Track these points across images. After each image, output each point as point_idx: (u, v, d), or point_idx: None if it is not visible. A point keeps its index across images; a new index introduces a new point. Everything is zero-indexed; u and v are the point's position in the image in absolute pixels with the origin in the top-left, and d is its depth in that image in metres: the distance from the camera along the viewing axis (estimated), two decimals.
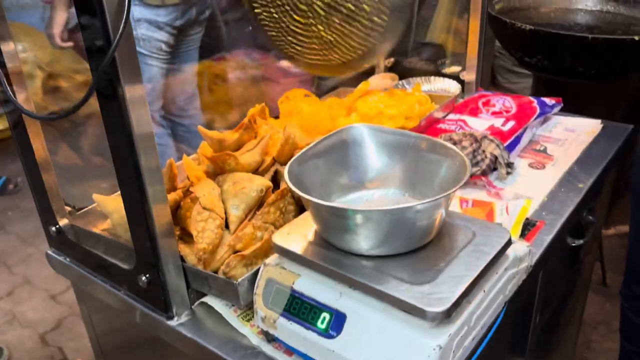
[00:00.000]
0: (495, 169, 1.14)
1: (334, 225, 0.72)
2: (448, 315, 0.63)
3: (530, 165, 1.20)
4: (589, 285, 1.62)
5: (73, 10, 1.90)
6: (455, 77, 1.56)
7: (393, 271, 0.69)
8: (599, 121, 1.36)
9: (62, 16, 1.91)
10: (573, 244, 1.17)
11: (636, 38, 1.55)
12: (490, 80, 3.70)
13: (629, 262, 1.55)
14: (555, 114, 1.41)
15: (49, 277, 2.30)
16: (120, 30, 0.63)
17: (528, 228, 0.99)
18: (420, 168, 0.82)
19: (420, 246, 0.72)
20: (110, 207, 0.84)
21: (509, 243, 0.74)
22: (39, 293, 2.27)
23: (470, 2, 1.44)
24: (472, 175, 1.12)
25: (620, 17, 2.00)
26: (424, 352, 0.64)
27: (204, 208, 0.81)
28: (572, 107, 1.46)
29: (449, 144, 0.78)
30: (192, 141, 1.99)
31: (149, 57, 2.02)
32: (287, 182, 0.72)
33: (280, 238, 0.76)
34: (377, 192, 0.85)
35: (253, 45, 4.45)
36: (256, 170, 0.93)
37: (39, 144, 0.91)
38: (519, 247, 0.80)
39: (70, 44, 2.05)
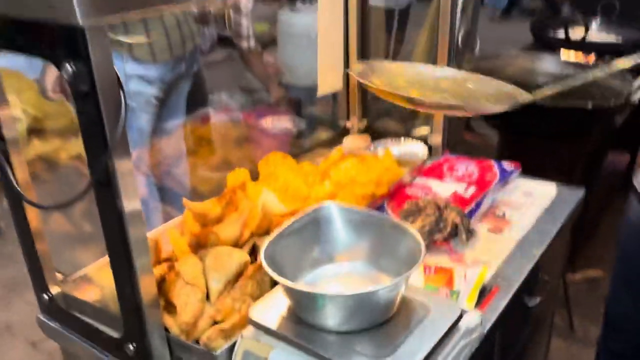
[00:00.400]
0: (456, 235, 1.24)
1: (304, 304, 0.80)
2: None
3: (490, 230, 1.30)
4: (550, 336, 1.71)
5: None
6: (423, 139, 1.67)
7: (357, 346, 0.78)
8: (554, 185, 1.48)
9: (56, 71, 1.98)
10: (529, 304, 1.26)
11: (589, 107, 1.69)
12: (465, 125, 3.86)
13: (608, 316, 1.64)
14: (516, 177, 1.52)
15: (29, 324, 2.33)
16: (117, 138, 0.72)
17: (484, 294, 1.08)
18: (383, 244, 0.91)
19: (382, 322, 0.81)
20: (102, 281, 0.92)
21: (459, 318, 0.83)
22: (19, 340, 2.28)
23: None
24: (435, 241, 1.21)
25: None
26: None
27: (187, 283, 0.89)
28: (534, 164, 1.57)
29: (408, 226, 0.88)
30: (176, 203, 2.07)
31: (139, 110, 2.10)
32: (264, 265, 0.81)
33: (257, 314, 0.84)
34: (345, 265, 0.94)
35: (237, 89, 4.57)
36: (236, 243, 1.01)
37: (33, 216, 0.98)
38: (471, 319, 0.90)
39: (60, 95, 2.12)
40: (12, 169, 0.90)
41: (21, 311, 2.46)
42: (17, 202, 0.94)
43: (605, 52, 2.40)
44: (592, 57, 2.38)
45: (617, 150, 2.62)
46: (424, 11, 3.31)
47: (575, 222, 2.36)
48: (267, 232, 1.05)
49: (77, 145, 2.73)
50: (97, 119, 0.72)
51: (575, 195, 1.45)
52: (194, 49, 2.28)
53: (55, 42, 0.71)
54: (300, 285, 0.84)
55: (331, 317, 0.78)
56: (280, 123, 2.22)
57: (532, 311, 1.36)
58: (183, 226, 1.11)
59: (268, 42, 5.96)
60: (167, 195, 2.13)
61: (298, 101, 3.57)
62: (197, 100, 2.64)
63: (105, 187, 0.77)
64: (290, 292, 0.80)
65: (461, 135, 3.69)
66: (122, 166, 0.76)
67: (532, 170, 1.56)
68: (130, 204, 0.78)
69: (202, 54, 2.83)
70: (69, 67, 0.70)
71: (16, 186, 0.87)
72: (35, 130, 2.77)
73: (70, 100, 2.13)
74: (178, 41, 2.15)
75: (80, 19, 0.65)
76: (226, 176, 1.24)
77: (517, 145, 2.25)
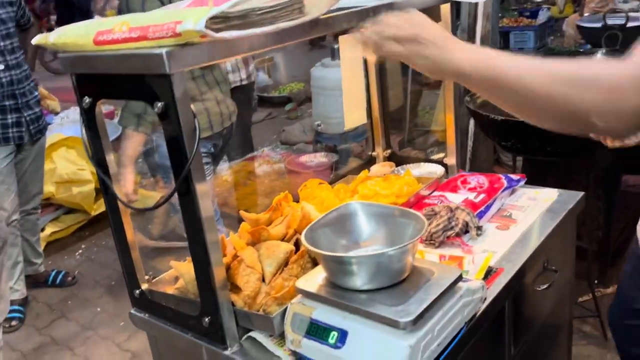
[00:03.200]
0: (467, 231, 1.47)
1: (337, 270, 1.05)
2: (414, 323, 0.95)
3: (497, 228, 1.52)
4: (571, 329, 1.86)
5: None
6: (440, 162, 1.91)
7: (379, 299, 1.01)
8: (556, 190, 1.69)
9: (132, 176, 2.12)
10: (538, 288, 1.46)
11: None
12: (495, 160, 4.06)
13: None
14: (523, 186, 1.74)
15: (106, 355, 2.61)
16: (193, 152, 1.01)
17: (490, 274, 1.30)
18: (397, 228, 1.16)
19: (397, 282, 1.05)
20: (182, 270, 1.19)
21: (459, 278, 1.06)
22: None
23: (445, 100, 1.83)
24: (448, 237, 1.44)
25: None
26: (399, 351, 0.95)
27: (248, 266, 1.15)
28: (552, 180, 1.77)
29: (414, 211, 1.13)
30: (231, 225, 2.33)
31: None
32: (304, 243, 1.07)
33: (301, 283, 1.09)
34: (369, 249, 1.18)
35: (278, 143, 4.92)
36: (282, 239, 1.27)
37: (128, 228, 1.27)
38: (474, 283, 1.12)
39: (136, 198, 2.33)
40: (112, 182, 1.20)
41: (99, 347, 2.75)
42: (116, 215, 1.24)
43: None
44: None
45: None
46: None
47: (602, 243, 2.52)
48: None
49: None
50: (179, 142, 1.01)
51: (575, 197, 1.65)
52: (231, 126, 2.46)
53: (149, 87, 1.01)
54: (334, 253, 1.09)
55: (358, 278, 1.02)
56: (316, 158, 2.50)
57: (545, 300, 1.55)
58: (240, 233, 1.38)
59: (304, 98, 6.40)
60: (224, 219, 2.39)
61: (333, 147, 3.88)
62: (244, 149, 2.97)
63: (186, 197, 1.05)
64: (325, 260, 1.05)
65: (491, 169, 3.90)
66: (198, 179, 1.04)
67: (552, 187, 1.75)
68: (206, 211, 1.06)
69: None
70: (159, 104, 1.00)
71: (114, 191, 1.16)
72: None
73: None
74: (218, 120, 2.35)
75: (168, 69, 0.95)
76: (271, 201, 1.52)
77: (536, 166, 2.46)
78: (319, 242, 1.12)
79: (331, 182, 1.83)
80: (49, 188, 3.41)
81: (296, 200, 1.63)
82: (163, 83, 0.98)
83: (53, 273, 3.22)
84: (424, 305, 0.97)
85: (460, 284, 1.07)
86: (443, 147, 2.03)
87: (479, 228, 1.47)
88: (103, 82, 1.09)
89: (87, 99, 1.13)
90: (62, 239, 3.71)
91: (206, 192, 1.06)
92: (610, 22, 3.07)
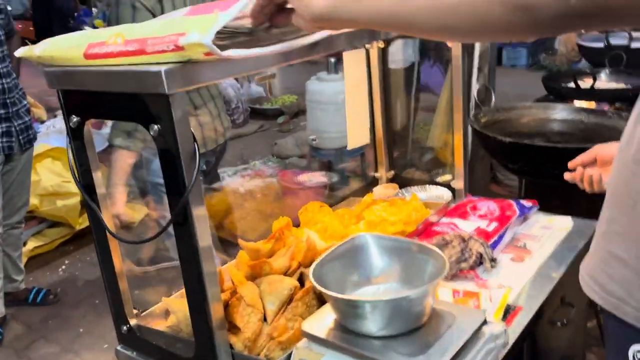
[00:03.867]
0: (481, 263, 1.37)
1: (349, 313, 0.95)
2: None
3: (512, 259, 1.43)
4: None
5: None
6: (447, 185, 1.83)
7: (395, 347, 0.91)
8: (569, 219, 1.60)
9: (122, 195, 2.01)
10: (556, 325, 1.37)
11: None
12: (491, 178, 3.99)
13: None
14: (535, 213, 1.66)
15: None
16: (192, 180, 0.91)
17: (509, 312, 1.20)
18: (413, 265, 1.06)
19: (415, 327, 0.95)
20: (175, 307, 1.08)
21: (484, 323, 0.96)
22: None
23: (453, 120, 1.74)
24: (461, 270, 1.35)
25: (591, 125, 2.30)
26: None
27: (248, 305, 1.05)
28: (556, 204, 1.69)
29: (433, 247, 1.03)
30: (227, 251, 2.22)
31: None
32: (312, 281, 0.96)
33: (308, 326, 0.99)
34: (381, 287, 1.08)
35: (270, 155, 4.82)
36: (285, 273, 1.17)
37: (116, 257, 1.16)
38: (496, 327, 1.02)
39: (127, 219, 2.22)
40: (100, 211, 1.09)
41: None
42: (103, 244, 1.13)
43: (615, 98, 2.55)
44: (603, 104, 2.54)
45: None
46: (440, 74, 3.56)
47: None
48: (311, 264, 1.20)
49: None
50: (177, 169, 0.91)
51: (591, 226, 1.57)
52: (224, 143, 2.36)
53: (144, 108, 0.91)
54: (346, 295, 0.99)
55: (372, 323, 0.92)
56: (315, 177, 2.41)
57: (562, 334, 1.46)
58: (238, 264, 1.27)
59: (297, 111, 6.32)
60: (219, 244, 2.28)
61: (328, 162, 3.79)
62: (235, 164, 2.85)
63: (183, 227, 0.95)
64: (336, 302, 0.95)
65: (488, 187, 3.83)
66: (197, 208, 0.94)
67: (556, 211, 1.68)
68: (203, 241, 0.96)
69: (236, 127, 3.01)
70: (155, 127, 0.90)
71: (104, 221, 1.06)
72: None
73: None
74: (212, 136, 2.23)
75: (167, 89, 0.85)
76: (270, 225, 1.41)
77: (541, 189, 2.38)
78: (327, 279, 1.02)
79: (331, 204, 1.74)
80: (32, 200, 3.26)
81: (295, 223, 1.53)
82: (161, 104, 0.88)
83: (34, 291, 3.08)
84: (448, 357, 0.87)
85: (484, 328, 0.98)
86: (444, 166, 1.95)
87: (493, 260, 1.38)
88: (93, 100, 0.99)
89: (74, 118, 1.02)
90: (44, 254, 3.56)
91: (204, 220, 0.96)
92: (613, 41, 3.02)
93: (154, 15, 1.95)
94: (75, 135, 1.04)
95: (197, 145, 0.92)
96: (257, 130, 5.99)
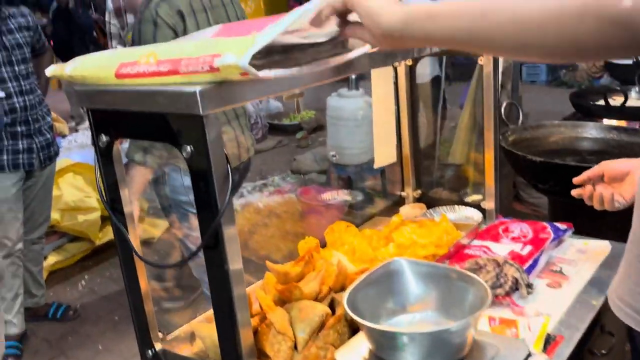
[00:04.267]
0: (516, 289, 1.32)
1: (385, 345, 0.90)
2: None
3: (548, 285, 1.37)
4: None
5: None
6: (476, 205, 1.78)
7: None
8: (607, 242, 1.54)
9: (136, 211, 1.93)
10: (598, 354, 1.30)
11: None
12: (514, 196, 3.92)
13: None
14: (570, 236, 1.60)
15: None
16: (225, 203, 0.87)
17: (549, 342, 1.15)
18: (452, 294, 1.01)
19: None
20: (203, 333, 1.04)
21: (528, 356, 0.91)
22: None
23: (484, 137, 1.70)
24: (496, 296, 1.29)
25: (623, 143, 2.24)
26: None
27: (278, 332, 1.01)
28: (587, 225, 1.63)
29: (474, 275, 0.98)
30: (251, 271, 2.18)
31: None
32: (347, 310, 0.92)
33: (341, 357, 0.95)
34: (418, 315, 1.04)
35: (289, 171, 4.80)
36: (316, 298, 1.13)
37: (142, 279, 1.13)
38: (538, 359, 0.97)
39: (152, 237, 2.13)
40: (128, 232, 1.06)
41: None
42: (130, 265, 1.10)
43: None
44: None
45: None
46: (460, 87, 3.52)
47: None
48: (342, 288, 1.16)
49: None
50: (210, 191, 0.88)
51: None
52: (248, 160, 2.30)
53: (177, 128, 0.88)
54: (382, 326, 0.94)
55: (410, 355, 0.87)
56: (339, 196, 2.37)
57: None
58: (265, 287, 1.24)
59: (316, 127, 6.32)
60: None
61: (348, 178, 3.75)
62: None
63: (214, 250, 0.92)
64: (372, 333, 0.91)
65: (511, 206, 3.75)
66: (229, 232, 0.90)
67: (587, 232, 1.62)
68: (234, 264, 0.92)
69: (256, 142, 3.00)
70: (188, 148, 0.87)
71: (132, 244, 1.03)
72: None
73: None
74: (235, 154, 2.17)
75: (201, 110, 0.82)
76: (294, 244, 1.38)
77: (569, 208, 2.31)
78: (361, 307, 0.98)
79: (356, 224, 1.70)
80: (54, 215, 3.27)
81: (322, 244, 1.49)
82: (194, 125, 0.85)
83: (54, 306, 3.07)
84: None
85: None
86: (472, 185, 1.90)
87: (529, 286, 1.32)
88: (123, 120, 0.97)
89: (104, 138, 1.00)
90: (64, 269, 3.56)
91: (235, 242, 0.92)
92: None
93: (176, 32, 1.93)
94: (104, 156, 1.02)
95: (230, 167, 0.89)
96: (276, 146, 5.98)
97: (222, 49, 0.79)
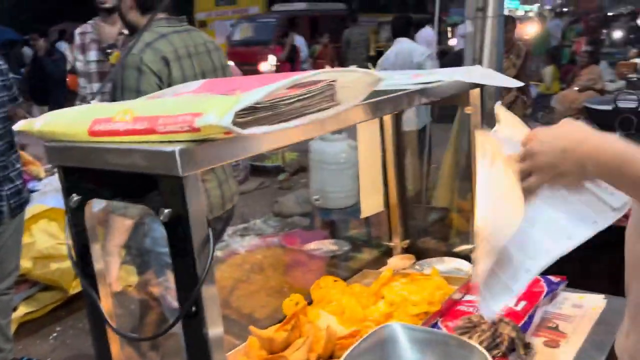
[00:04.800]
0: (513, 349, 1.25)
1: None
2: None
3: (545, 344, 1.31)
4: None
5: None
6: (465, 256, 1.72)
7: None
8: (602, 297, 1.50)
9: (117, 265, 1.88)
10: None
11: None
12: None
13: None
14: (563, 289, 1.55)
15: None
16: (205, 271, 0.80)
17: None
18: None
19: None
20: None
21: None
22: None
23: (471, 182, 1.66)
24: (493, 357, 1.22)
25: None
26: None
27: None
28: (580, 276, 1.59)
29: (474, 343, 0.92)
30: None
31: None
32: None
33: None
34: None
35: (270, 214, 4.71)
36: None
37: (115, 350, 1.04)
38: None
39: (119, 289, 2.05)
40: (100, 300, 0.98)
41: None
42: (101, 335, 1.01)
43: None
44: None
45: None
46: (444, 133, 3.52)
47: None
48: (331, 355, 1.09)
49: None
50: (189, 257, 0.81)
51: (624, 303, 1.46)
52: (232, 208, 2.21)
53: (154, 190, 0.82)
54: None
55: None
56: (324, 246, 2.30)
57: None
58: (249, 352, 1.15)
59: (298, 168, 6.28)
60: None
61: (331, 222, 3.68)
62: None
63: (193, 319, 0.84)
64: None
65: None
66: (209, 298, 0.83)
67: (577, 280, 1.58)
68: (214, 331, 0.85)
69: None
70: (165, 212, 0.81)
71: (105, 315, 0.94)
72: None
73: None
74: (218, 203, 2.09)
75: (180, 171, 0.76)
76: (277, 299, 1.30)
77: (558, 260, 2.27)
78: None
79: (344, 277, 1.62)
80: (25, 264, 3.13)
81: (308, 301, 1.41)
82: (173, 187, 0.79)
83: None
84: None
85: None
86: (466, 237, 1.85)
87: (526, 346, 1.26)
88: (97, 179, 0.90)
89: (74, 197, 0.93)
90: (35, 320, 3.39)
91: (216, 307, 0.85)
92: (621, 105, 3.00)
93: (160, 79, 1.88)
94: (75, 216, 0.95)
95: (212, 232, 0.82)
96: (258, 188, 5.91)
97: (204, 107, 0.74)
